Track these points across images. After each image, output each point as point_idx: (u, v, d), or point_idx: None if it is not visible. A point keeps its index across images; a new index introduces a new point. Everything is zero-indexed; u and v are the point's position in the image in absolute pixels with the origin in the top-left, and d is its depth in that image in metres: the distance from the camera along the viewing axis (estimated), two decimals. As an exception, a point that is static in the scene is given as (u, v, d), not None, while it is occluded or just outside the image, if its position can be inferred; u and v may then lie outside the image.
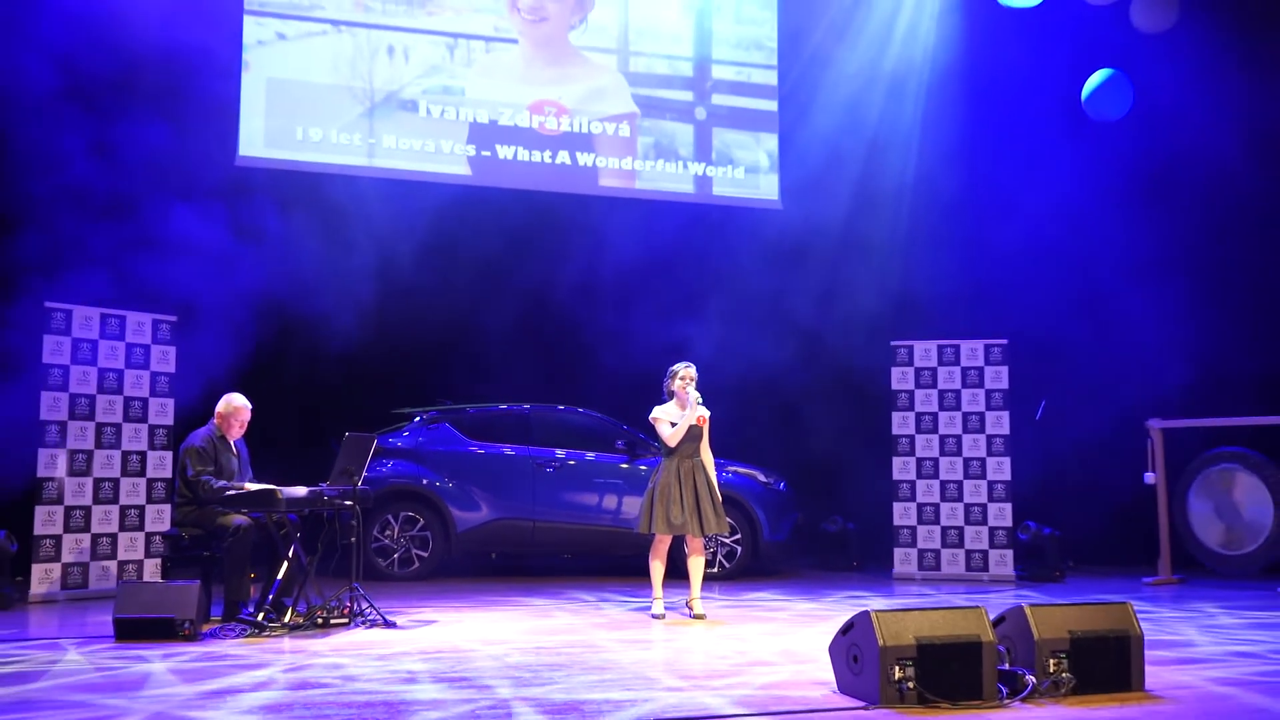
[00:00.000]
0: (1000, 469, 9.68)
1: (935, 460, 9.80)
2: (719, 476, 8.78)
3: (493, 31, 11.08)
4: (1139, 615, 5.00)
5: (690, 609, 7.30)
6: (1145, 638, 4.97)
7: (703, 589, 7.46)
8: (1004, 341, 9.84)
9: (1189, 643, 6.26)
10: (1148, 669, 4.97)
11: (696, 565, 7.37)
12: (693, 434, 7.27)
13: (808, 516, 10.37)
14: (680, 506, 7.15)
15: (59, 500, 8.17)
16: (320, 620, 6.68)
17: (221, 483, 6.91)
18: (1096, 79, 10.36)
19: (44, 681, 5.12)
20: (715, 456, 7.59)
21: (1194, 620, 7.17)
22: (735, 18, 11.87)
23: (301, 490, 6.81)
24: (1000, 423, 9.72)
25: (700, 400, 7.27)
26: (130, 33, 9.14)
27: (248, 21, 10.30)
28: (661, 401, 7.39)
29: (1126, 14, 10.30)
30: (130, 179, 9.25)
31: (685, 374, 7.33)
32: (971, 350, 9.86)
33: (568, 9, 11.31)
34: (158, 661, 5.60)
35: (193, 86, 9.60)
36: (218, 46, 9.95)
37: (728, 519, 9.26)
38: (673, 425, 7.23)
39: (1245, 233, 10.56)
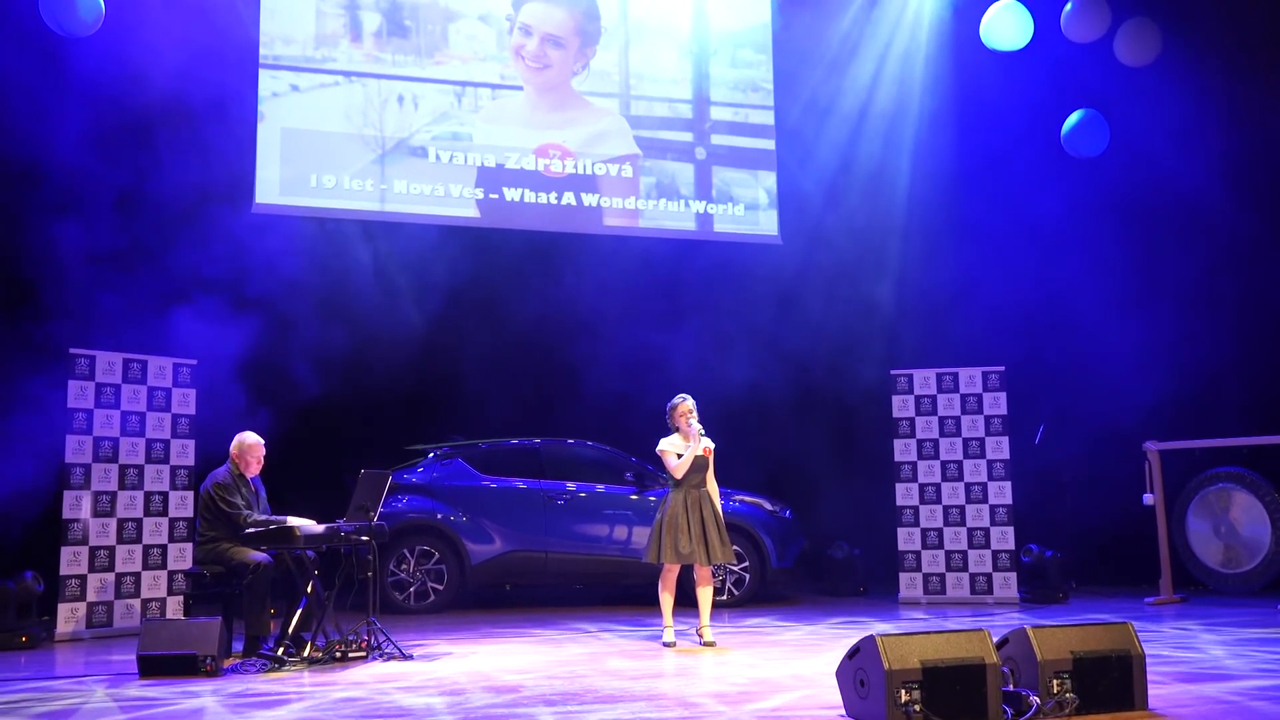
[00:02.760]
0: (1001, 493, 9.63)
1: (937, 485, 9.77)
2: (726, 505, 8.78)
3: (498, 79, 11.17)
4: (1140, 635, 4.97)
5: (700, 636, 7.26)
6: (1147, 656, 4.94)
7: (712, 616, 7.41)
8: (1001, 369, 9.83)
9: (1191, 661, 6.20)
10: (1150, 688, 4.93)
11: (705, 594, 7.34)
12: (699, 465, 7.26)
13: (814, 543, 10.33)
14: (688, 536, 7.13)
15: (84, 541, 8.17)
16: (339, 654, 6.66)
17: (261, 515, 6.93)
18: (1074, 118, 10.42)
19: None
20: (721, 486, 7.59)
21: (1195, 639, 7.11)
22: (731, 61, 11.95)
23: (319, 526, 6.81)
24: (1000, 448, 9.69)
25: (703, 432, 7.28)
26: (150, 87, 9.25)
27: (263, 74, 10.38)
28: (668, 434, 7.39)
29: (1109, 53, 10.36)
30: (151, 227, 9.33)
31: (684, 407, 7.35)
32: (970, 377, 9.84)
33: (570, 56, 11.40)
34: (181, 698, 5.57)
35: (210, 137, 9.68)
36: (234, 98, 10.04)
37: (735, 547, 9.25)
38: (679, 457, 7.23)
39: (1230, 260, 10.55)
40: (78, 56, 9.03)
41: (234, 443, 7.19)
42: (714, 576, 9.28)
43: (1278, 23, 9.40)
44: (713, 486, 7.35)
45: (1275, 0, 9.42)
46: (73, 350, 8.29)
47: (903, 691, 4.48)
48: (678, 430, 7.35)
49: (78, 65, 9.07)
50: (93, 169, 9.06)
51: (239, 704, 5.37)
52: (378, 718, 5.00)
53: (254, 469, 7.19)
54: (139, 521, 8.48)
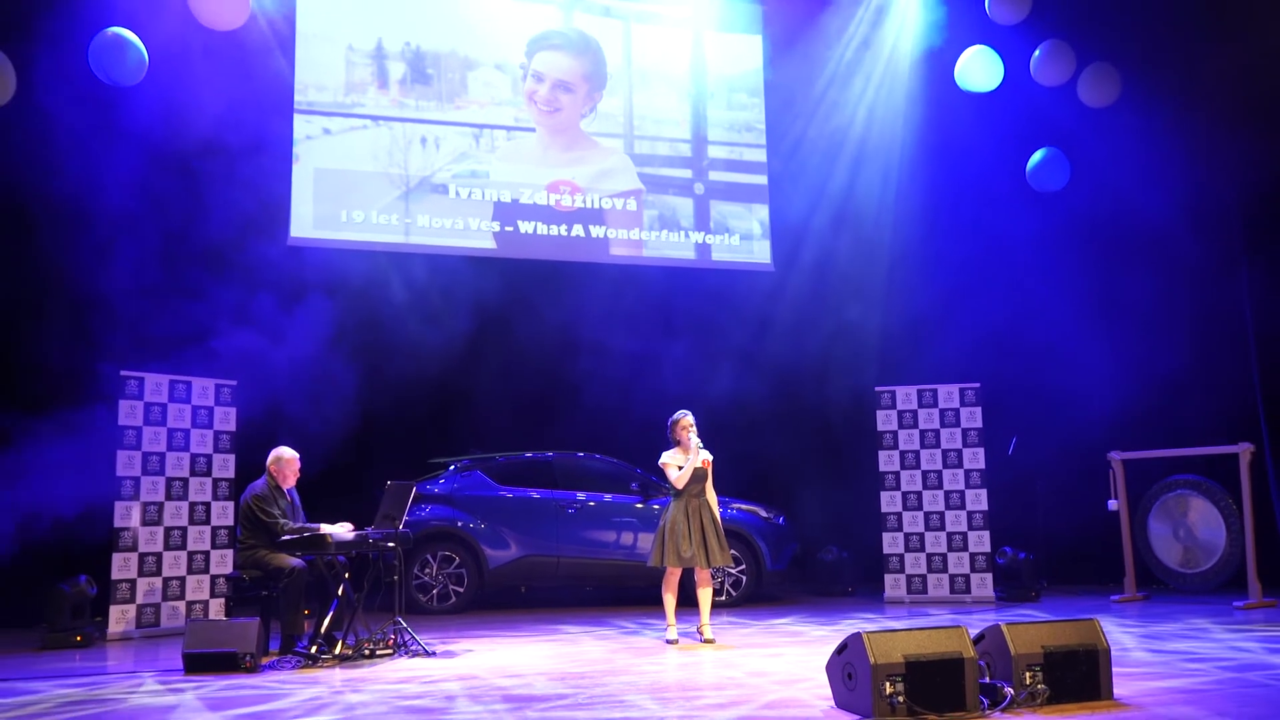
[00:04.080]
0: (978, 500, 9.63)
1: (919, 493, 9.76)
2: (724, 513, 8.78)
3: (513, 121, 11.22)
4: (1106, 630, 4.96)
5: (701, 634, 7.25)
6: (1112, 650, 4.93)
7: (711, 615, 7.40)
8: (977, 385, 9.84)
9: (1153, 654, 6.19)
10: (1115, 679, 4.92)
11: (705, 594, 7.33)
12: (698, 475, 7.26)
13: (805, 547, 10.31)
14: (688, 541, 7.13)
15: (134, 548, 8.19)
16: (367, 651, 6.66)
17: (297, 524, 6.95)
18: (1037, 157, 10.46)
19: (122, 714, 5.11)
20: (720, 495, 7.58)
21: (1157, 634, 7.09)
22: (727, 104, 12.01)
23: (349, 534, 6.83)
24: (976, 458, 9.69)
25: (701, 445, 7.28)
26: (193, 131, 9.28)
27: (297, 119, 10.44)
28: (669, 446, 7.40)
29: (1073, 95, 10.40)
30: (195, 259, 9.37)
31: (684, 422, 7.36)
32: (948, 394, 9.85)
33: (579, 100, 11.46)
34: (223, 692, 5.58)
35: (249, 176, 9.70)
36: (271, 141, 10.08)
37: (733, 551, 9.28)
38: (679, 469, 7.24)
39: (1184, 283, 10.55)
40: (126, 104, 9.06)
41: (271, 456, 7.21)
42: (713, 578, 9.30)
43: (1225, 69, 9.45)
44: (711, 495, 7.35)
45: (1222, 48, 9.47)
46: (123, 372, 8.33)
47: (887, 684, 4.48)
48: (678, 443, 7.35)
49: (126, 111, 9.09)
50: (141, 207, 9.10)
51: (279, 695, 5.38)
52: (404, 710, 5.00)
53: (290, 481, 7.21)
54: (184, 530, 8.50)
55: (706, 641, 7.16)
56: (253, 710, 5.07)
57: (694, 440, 7.26)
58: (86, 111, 8.91)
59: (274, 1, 10.31)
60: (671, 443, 7.39)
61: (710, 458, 7.35)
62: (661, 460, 7.34)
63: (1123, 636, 6.90)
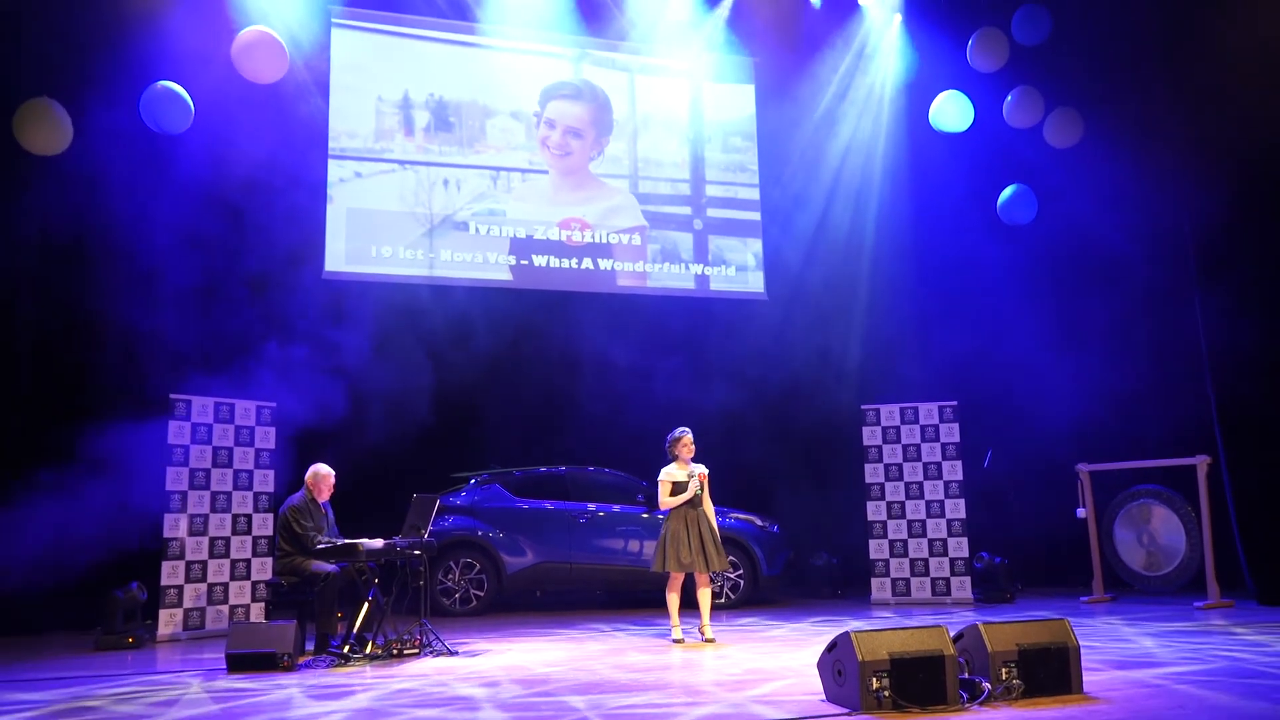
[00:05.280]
0: (957, 509, 9.62)
1: (902, 503, 9.75)
2: (723, 522, 8.80)
3: (528, 164, 11.30)
4: (1076, 629, 4.96)
5: (702, 634, 7.24)
6: (1082, 647, 4.93)
7: (712, 617, 7.39)
8: (954, 403, 9.85)
9: (1120, 651, 6.17)
10: (1085, 674, 4.92)
11: (704, 597, 7.32)
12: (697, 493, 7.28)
13: (798, 553, 10.29)
14: (689, 549, 7.12)
15: (181, 556, 8.21)
16: (395, 651, 6.67)
17: (324, 538, 6.96)
18: (1007, 193, 10.51)
19: (170, 709, 5.12)
20: (718, 505, 7.58)
21: (1123, 632, 7.07)
22: (723, 147, 12.08)
23: (378, 543, 6.84)
24: (955, 470, 9.69)
25: (698, 471, 7.30)
26: (236, 174, 9.37)
27: (331, 164, 10.52)
28: (667, 461, 7.39)
29: (1040, 136, 10.45)
30: (237, 291, 9.43)
31: (684, 440, 7.35)
32: (928, 411, 9.86)
33: (588, 144, 11.54)
34: (263, 690, 5.59)
35: (287, 215, 9.79)
36: (307, 183, 10.13)
37: (731, 557, 9.28)
38: (674, 486, 7.23)
39: (1143, 308, 10.56)
40: (174, 150, 9.15)
41: (309, 472, 7.23)
42: (712, 582, 9.31)
43: (1175, 114, 9.51)
44: (708, 506, 7.34)
45: (1173, 96, 9.53)
46: (172, 396, 8.37)
47: (874, 679, 4.49)
48: (677, 459, 7.33)
49: (174, 157, 9.18)
50: (188, 244, 9.16)
51: (313, 694, 5.39)
52: (430, 704, 5.01)
53: (325, 494, 7.23)
54: (227, 539, 8.51)
55: (707, 641, 7.15)
56: (289, 708, 5.07)
57: (693, 469, 7.28)
58: (137, 157, 8.99)
59: (310, 56, 10.41)
60: (670, 458, 7.38)
61: (706, 472, 7.34)
62: (660, 477, 7.32)
63: (1092, 635, 6.88)
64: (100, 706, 5.21)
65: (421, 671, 6.12)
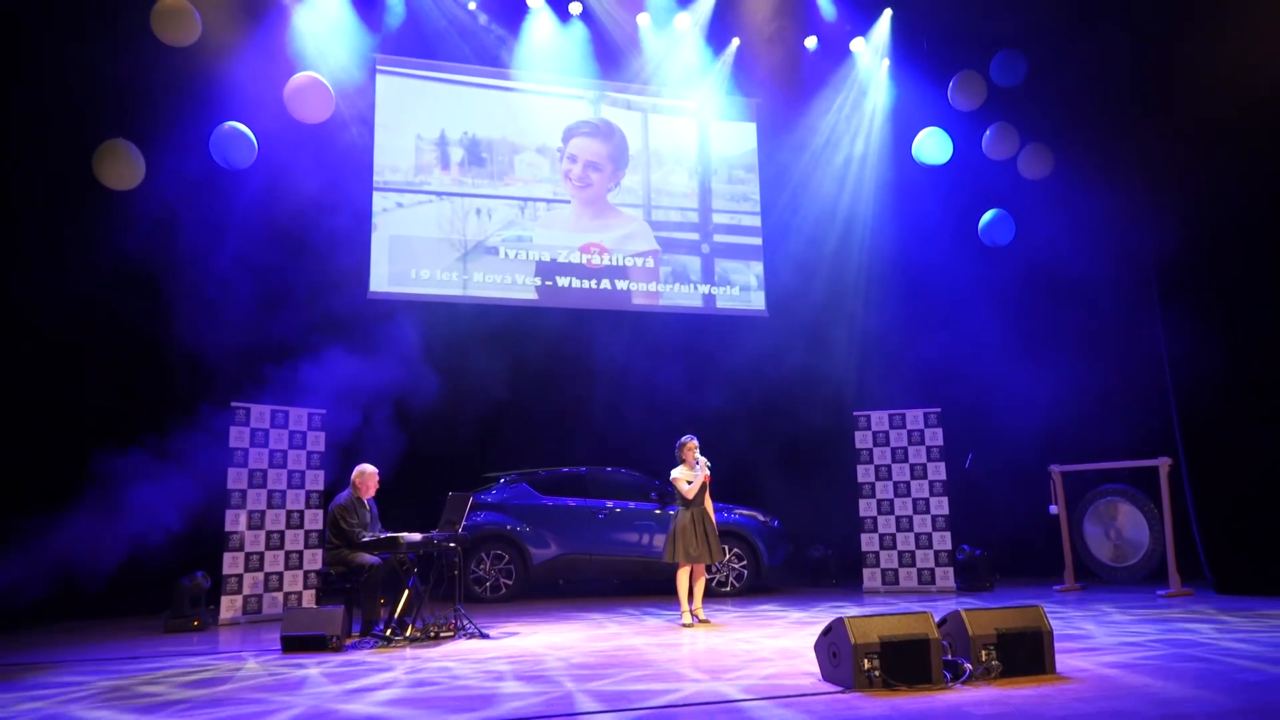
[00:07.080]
0: (940, 505, 9.58)
1: (891, 500, 9.72)
2: (728, 517, 8.85)
3: (552, 195, 11.36)
4: (1050, 615, 4.94)
5: (695, 615, 7.35)
6: (1055, 632, 4.91)
7: (718, 604, 7.49)
8: (938, 409, 9.82)
9: (1089, 635, 6.14)
10: (1058, 656, 4.90)
11: (700, 583, 7.46)
12: (701, 487, 7.35)
13: (796, 546, 10.26)
14: (695, 542, 7.23)
15: (241, 548, 8.26)
16: (433, 634, 6.69)
17: (368, 532, 7.00)
18: (988, 216, 10.49)
19: (230, 684, 5.16)
20: (722, 502, 7.64)
21: (1092, 618, 7.03)
22: (728, 179, 12.11)
23: (417, 536, 6.87)
24: (939, 471, 9.65)
25: (707, 464, 7.38)
26: (292, 205, 9.45)
27: (376, 195, 10.61)
28: (676, 463, 7.45)
29: (1014, 169, 10.44)
30: (292, 309, 9.48)
31: (690, 445, 7.46)
32: (914, 417, 9.83)
33: (606, 177, 11.59)
34: (313, 667, 5.62)
35: (336, 241, 9.86)
36: (355, 213, 10.23)
37: (735, 549, 9.31)
38: (689, 484, 7.32)
39: (1110, 322, 10.50)
40: (235, 184, 9.27)
41: (355, 472, 7.26)
42: (718, 572, 9.35)
43: (1137, 152, 9.48)
44: (708, 504, 7.46)
45: (1136, 136, 9.50)
46: (234, 404, 8.44)
47: (865, 660, 4.48)
48: (684, 462, 7.42)
49: (236, 189, 9.30)
50: (247, 267, 9.24)
51: (359, 671, 5.42)
52: (464, 679, 5.02)
53: (370, 492, 7.26)
54: (282, 533, 8.56)
55: (701, 621, 7.25)
56: (336, 684, 5.09)
57: (701, 460, 7.36)
58: (203, 190, 9.10)
59: (355, 99, 10.51)
60: (678, 461, 7.46)
61: (709, 464, 7.46)
62: (672, 476, 7.43)
63: (1063, 621, 6.84)
64: (170, 678, 5.25)
65: (456, 652, 6.14)
